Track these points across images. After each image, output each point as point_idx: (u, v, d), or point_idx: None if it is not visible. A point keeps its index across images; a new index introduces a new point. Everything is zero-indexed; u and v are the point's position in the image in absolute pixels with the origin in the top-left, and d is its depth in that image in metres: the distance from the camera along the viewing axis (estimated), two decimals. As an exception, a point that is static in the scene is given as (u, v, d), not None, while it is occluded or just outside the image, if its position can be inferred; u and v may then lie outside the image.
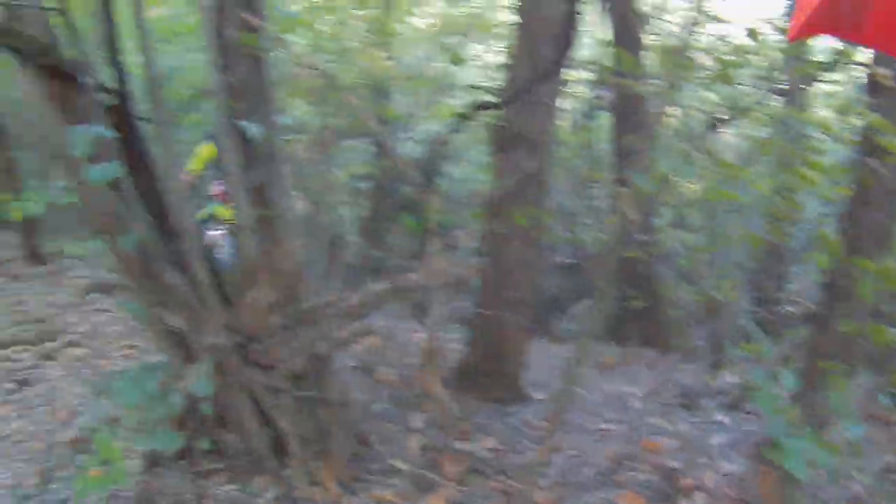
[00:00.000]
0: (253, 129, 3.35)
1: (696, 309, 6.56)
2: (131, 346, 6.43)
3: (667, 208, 6.29)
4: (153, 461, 4.30)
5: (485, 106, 4.43)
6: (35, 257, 8.62)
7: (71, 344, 6.44)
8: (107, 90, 3.69)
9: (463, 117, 4.33)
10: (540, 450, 3.63)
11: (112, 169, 2.92)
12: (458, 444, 4.48)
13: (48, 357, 6.16)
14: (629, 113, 6.56)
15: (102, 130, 2.89)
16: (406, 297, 3.68)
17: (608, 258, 3.11)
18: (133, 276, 4.01)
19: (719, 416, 5.17)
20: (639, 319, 6.93)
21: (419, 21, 9.55)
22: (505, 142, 4.80)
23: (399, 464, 4.34)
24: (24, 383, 5.73)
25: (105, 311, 7.29)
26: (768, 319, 6.73)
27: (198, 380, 3.46)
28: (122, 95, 3.71)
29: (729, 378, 5.93)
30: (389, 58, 8.24)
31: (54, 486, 4.32)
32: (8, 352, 6.22)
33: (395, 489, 4.13)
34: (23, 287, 7.78)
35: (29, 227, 8.42)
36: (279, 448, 4.24)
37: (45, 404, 5.38)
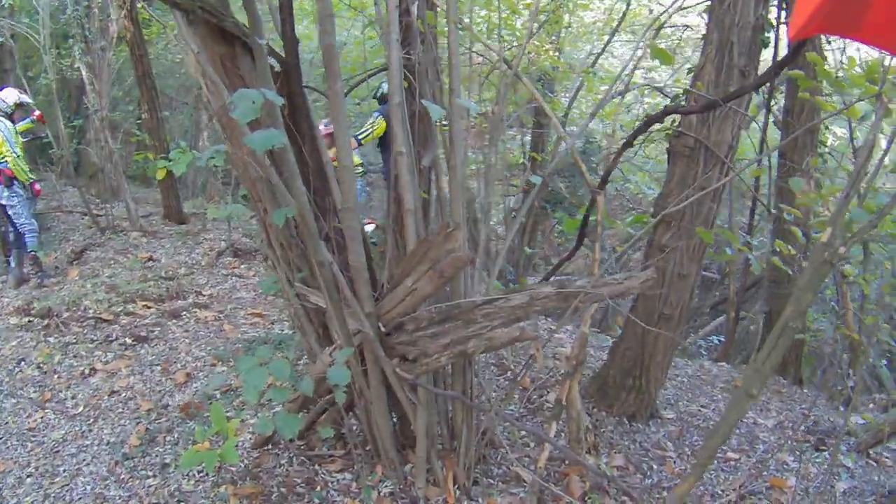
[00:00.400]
0: (436, 109, 2.88)
1: (836, 343, 5.88)
2: (259, 314, 6.11)
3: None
4: (266, 438, 3.96)
5: (670, 112, 3.86)
6: (174, 216, 8.43)
7: (197, 305, 6.16)
8: (275, 56, 3.32)
9: (646, 126, 3.81)
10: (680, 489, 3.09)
11: (275, 136, 2.49)
12: (586, 459, 3.99)
13: (172, 316, 5.87)
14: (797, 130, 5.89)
15: (272, 94, 2.46)
16: (570, 303, 3.14)
17: (800, 299, 2.54)
18: (279, 250, 3.64)
19: (845, 460, 4.56)
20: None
21: (591, 16, 9.02)
22: (685, 151, 4.24)
23: (523, 473, 3.89)
24: (142, 339, 5.46)
25: (237, 276, 7.01)
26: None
27: (336, 367, 3.03)
28: (290, 63, 3.32)
29: (858, 420, 5.27)
30: (557, 49, 7.75)
31: (157, 450, 4.05)
32: (131, 306, 5.97)
33: (515, 499, 3.70)
34: (157, 244, 7.58)
35: (170, 187, 8.19)
36: (402, 442, 3.85)
37: (161, 363, 5.10)
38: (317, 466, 3.80)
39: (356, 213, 3.10)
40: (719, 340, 8.43)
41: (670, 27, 7.92)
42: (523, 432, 4.38)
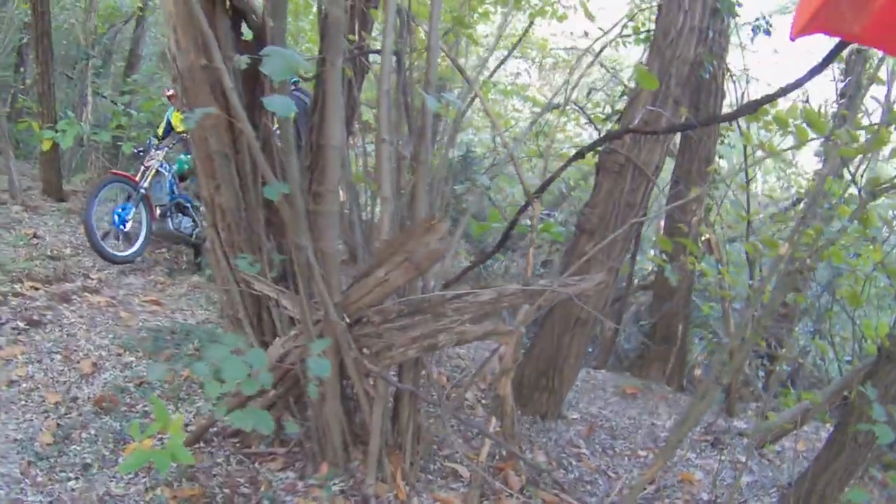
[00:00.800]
0: (432, 100, 2.73)
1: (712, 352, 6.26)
2: (157, 302, 5.64)
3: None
4: (198, 435, 3.62)
5: (631, 132, 3.92)
6: (54, 192, 7.53)
7: (87, 289, 5.57)
8: (248, 22, 3.06)
9: (604, 140, 3.87)
10: (643, 476, 3.14)
11: (290, 104, 2.26)
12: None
13: (62, 299, 5.27)
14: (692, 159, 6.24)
15: (300, 58, 2.24)
16: (535, 300, 3.08)
17: (773, 302, 2.68)
18: (224, 233, 3.35)
19: (741, 457, 4.85)
20: (659, 356, 6.59)
21: (483, 29, 9.02)
22: (615, 167, 4.34)
23: (460, 468, 3.82)
24: (35, 324, 4.84)
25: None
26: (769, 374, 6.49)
27: (315, 358, 2.80)
28: (264, 31, 3.07)
29: (742, 424, 5.62)
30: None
31: (74, 448, 3.56)
32: (19, 287, 5.31)
33: (458, 494, 3.61)
34: (40, 221, 6.78)
35: (52, 160, 7.29)
36: (346, 439, 3.65)
37: (60, 351, 4.54)
38: (257, 465, 3.52)
39: (337, 196, 2.90)
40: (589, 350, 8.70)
41: (562, 49, 8.17)
42: (447, 430, 4.30)
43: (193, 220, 6.96)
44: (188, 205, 7.04)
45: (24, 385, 4.11)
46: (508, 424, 3.92)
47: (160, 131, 7.07)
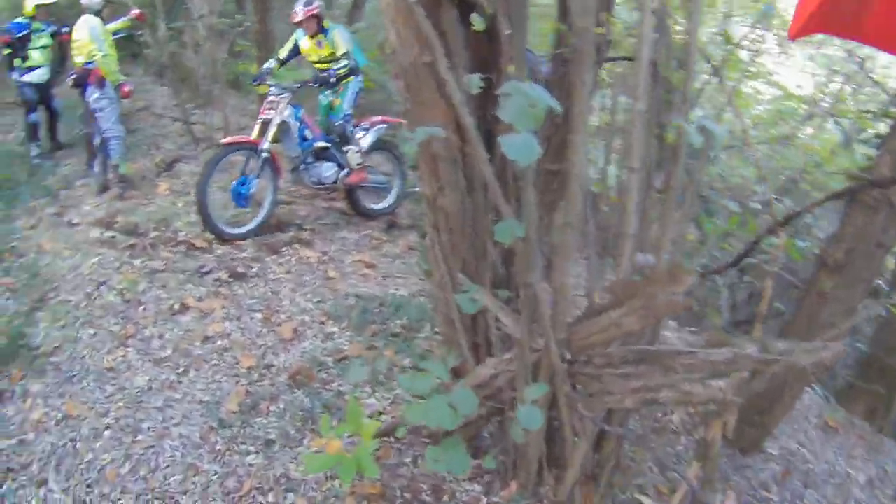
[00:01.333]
0: (697, 137, 2.38)
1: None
2: (369, 265, 5.36)
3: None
4: (388, 429, 3.52)
5: (873, 185, 3.38)
6: None
7: (299, 241, 5.49)
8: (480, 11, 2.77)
9: (872, 185, 3.41)
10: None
11: (533, 148, 1.90)
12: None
13: (272, 251, 5.25)
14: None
15: (548, 97, 1.90)
16: (770, 369, 2.70)
17: None
18: (446, 235, 3.16)
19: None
20: (867, 387, 5.98)
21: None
22: (869, 201, 3.81)
23: (647, 502, 3.55)
24: (239, 276, 4.82)
25: (338, 210, 6.28)
26: None
27: (528, 408, 2.60)
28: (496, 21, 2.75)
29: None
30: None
31: (260, 421, 3.48)
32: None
33: (642, 529, 3.37)
34: None
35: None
36: (545, 462, 3.45)
37: (262, 310, 4.47)
38: (444, 472, 3.38)
39: (577, 229, 2.63)
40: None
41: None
42: (644, 456, 4.03)
43: (337, 163, 6.10)
44: (328, 145, 6.10)
45: (218, 343, 4.09)
46: (710, 470, 3.62)
47: (282, 55, 6.26)
